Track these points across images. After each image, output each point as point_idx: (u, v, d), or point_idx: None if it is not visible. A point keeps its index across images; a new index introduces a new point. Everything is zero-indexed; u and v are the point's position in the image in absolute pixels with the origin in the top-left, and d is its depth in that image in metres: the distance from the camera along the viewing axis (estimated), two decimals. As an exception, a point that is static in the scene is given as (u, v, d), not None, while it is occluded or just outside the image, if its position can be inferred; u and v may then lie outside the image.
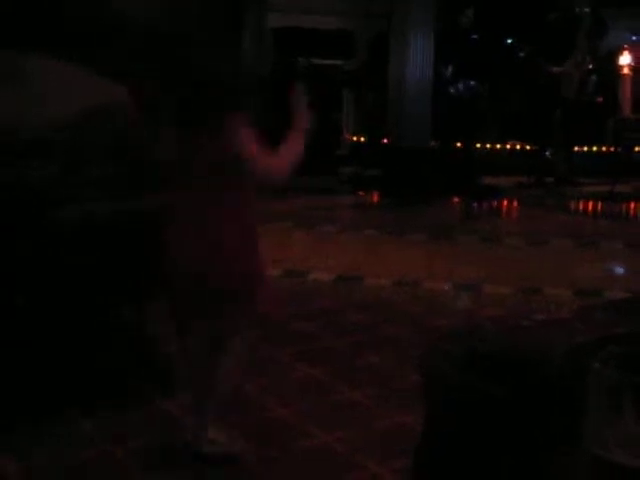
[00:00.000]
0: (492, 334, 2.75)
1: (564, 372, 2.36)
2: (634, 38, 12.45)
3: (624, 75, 11.96)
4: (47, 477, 3.35)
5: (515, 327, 2.78)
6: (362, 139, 12.96)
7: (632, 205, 10.91)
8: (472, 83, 11.60)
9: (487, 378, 2.54)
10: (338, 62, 13.50)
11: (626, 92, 11.92)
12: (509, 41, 13.00)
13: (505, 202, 10.95)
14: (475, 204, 10.24)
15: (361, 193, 11.24)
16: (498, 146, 12.98)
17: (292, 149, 3.27)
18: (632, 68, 11.95)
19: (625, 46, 12.24)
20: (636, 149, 12.45)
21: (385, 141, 11.78)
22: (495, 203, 10.66)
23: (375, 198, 11.18)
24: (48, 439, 3.63)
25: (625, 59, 12.03)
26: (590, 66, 11.89)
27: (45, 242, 4.09)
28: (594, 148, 13.03)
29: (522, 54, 12.79)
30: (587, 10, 11.65)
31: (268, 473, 3.42)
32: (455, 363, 2.75)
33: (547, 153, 12.31)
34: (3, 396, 3.96)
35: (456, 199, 10.66)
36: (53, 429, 3.72)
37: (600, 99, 12.79)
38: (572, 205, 11.03)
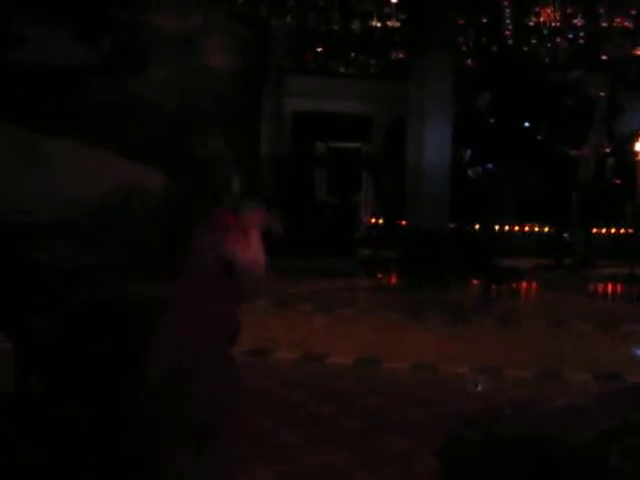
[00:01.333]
0: (512, 420, 2.73)
1: (586, 460, 2.33)
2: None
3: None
4: None
5: (535, 413, 2.77)
6: (380, 221, 13.02)
7: (652, 288, 10.84)
8: (489, 166, 11.69)
9: (507, 465, 2.52)
10: (357, 145, 13.64)
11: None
12: (526, 124, 13.13)
13: (524, 284, 10.93)
14: (494, 286, 10.22)
15: (379, 275, 11.25)
16: (516, 228, 13.00)
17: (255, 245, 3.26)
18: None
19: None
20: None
21: (403, 223, 11.82)
22: (514, 285, 10.63)
23: (393, 280, 11.19)
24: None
25: (640, 145, 12.05)
26: (607, 149, 11.96)
27: (61, 324, 4.11)
28: (612, 230, 13.03)
29: (539, 137, 12.89)
30: (603, 94, 11.76)
31: None
32: (475, 450, 2.73)
33: (565, 235, 12.31)
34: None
35: (475, 281, 10.65)
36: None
37: (618, 181, 12.83)
38: (591, 287, 10.98)
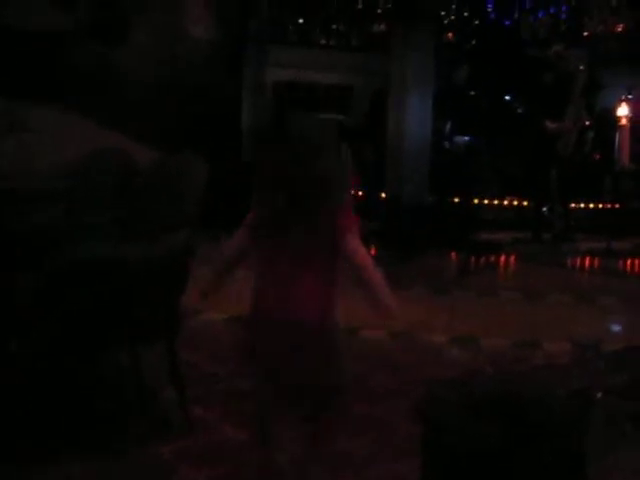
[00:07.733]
0: (489, 380, 2.74)
1: (565, 415, 2.35)
2: (630, 96, 12.53)
3: (622, 126, 12.08)
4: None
5: (513, 373, 2.78)
6: (360, 193, 13.00)
7: (629, 261, 10.90)
8: (469, 138, 11.69)
9: (486, 423, 2.53)
10: (338, 117, 13.59)
11: (624, 143, 12.03)
12: (507, 98, 13.13)
13: (502, 257, 10.95)
14: (472, 259, 10.25)
15: (359, 247, 11.24)
16: (496, 202, 13.00)
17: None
18: (630, 119, 12.06)
19: (622, 98, 12.39)
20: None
21: (383, 195, 11.82)
22: (492, 258, 10.67)
23: (373, 252, 11.19)
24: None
25: (623, 110, 12.16)
26: (587, 122, 11.95)
27: (44, 286, 4.10)
28: (591, 205, 13.06)
29: (520, 111, 12.90)
30: (582, 68, 11.73)
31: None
32: (453, 409, 2.74)
33: (544, 209, 12.32)
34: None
35: (454, 254, 10.68)
36: (46, 473, 3.69)
37: (597, 156, 12.88)
38: (569, 261, 11.02)
